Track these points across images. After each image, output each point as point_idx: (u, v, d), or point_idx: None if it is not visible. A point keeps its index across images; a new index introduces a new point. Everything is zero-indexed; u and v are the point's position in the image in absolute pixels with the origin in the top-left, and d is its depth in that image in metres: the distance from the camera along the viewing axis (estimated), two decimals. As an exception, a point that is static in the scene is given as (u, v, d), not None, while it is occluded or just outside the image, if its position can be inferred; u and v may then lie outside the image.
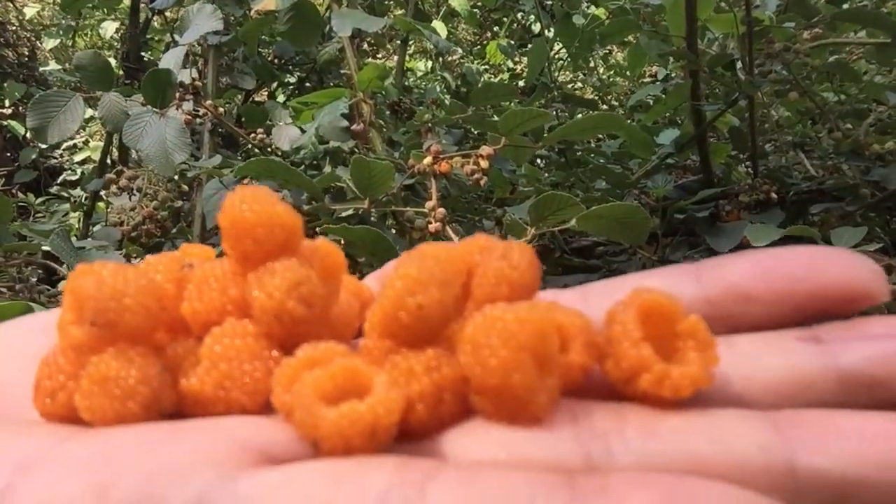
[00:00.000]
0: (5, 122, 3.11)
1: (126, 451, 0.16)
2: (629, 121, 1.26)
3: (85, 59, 0.85)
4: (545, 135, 0.69)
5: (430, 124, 0.75)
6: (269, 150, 1.07)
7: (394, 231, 0.90)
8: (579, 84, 2.98)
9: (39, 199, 2.58)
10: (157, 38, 1.92)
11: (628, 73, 2.92)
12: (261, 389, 0.19)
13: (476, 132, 1.09)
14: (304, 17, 1.10)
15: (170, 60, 0.87)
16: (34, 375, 0.20)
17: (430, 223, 0.59)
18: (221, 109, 0.98)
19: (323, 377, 0.17)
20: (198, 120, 1.01)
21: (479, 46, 2.78)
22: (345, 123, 1.01)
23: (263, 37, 2.14)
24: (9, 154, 3.15)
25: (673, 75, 1.56)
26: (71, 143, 3.12)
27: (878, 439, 0.15)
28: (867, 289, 0.18)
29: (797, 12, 0.89)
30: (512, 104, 0.93)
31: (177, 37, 1.62)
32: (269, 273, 0.19)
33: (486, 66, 3.07)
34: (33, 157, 3.05)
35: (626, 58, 3.11)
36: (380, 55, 2.76)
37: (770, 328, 0.19)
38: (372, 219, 0.69)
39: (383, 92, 0.92)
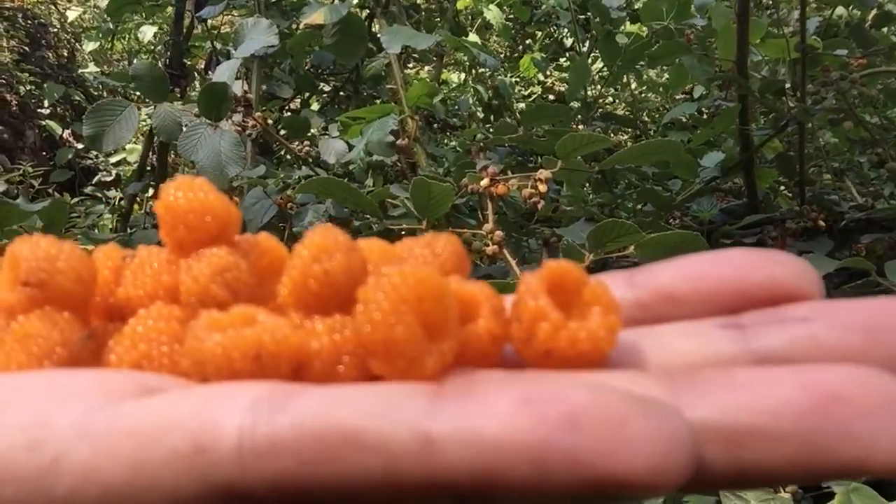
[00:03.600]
0: (43, 123, 3.17)
1: (27, 382, 0.18)
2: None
3: (142, 69, 0.87)
4: (602, 159, 0.69)
5: (481, 144, 0.75)
6: (312, 161, 1.08)
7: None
8: (610, 99, 2.97)
9: (75, 200, 2.61)
10: (198, 45, 1.94)
11: (662, 89, 2.90)
12: (179, 371, 0.19)
13: (507, 144, 1.09)
14: (351, 31, 1.11)
15: (224, 73, 0.89)
16: None
17: (488, 245, 0.59)
18: (270, 121, 0.99)
19: (220, 317, 0.18)
20: (246, 132, 1.02)
21: (511, 60, 2.78)
22: (391, 139, 1.02)
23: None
24: (45, 154, 3.20)
25: (706, 93, 1.55)
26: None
27: (770, 386, 0.15)
28: (796, 287, 0.18)
29: (853, 40, 0.88)
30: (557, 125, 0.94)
31: (218, 44, 1.64)
32: (196, 258, 0.20)
33: (518, 79, 3.07)
34: (69, 157, 3.10)
35: (658, 74, 3.10)
36: (410, 65, 2.77)
37: None
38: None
39: (432, 107, 0.92)
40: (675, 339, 0.18)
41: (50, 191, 2.68)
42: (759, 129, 0.98)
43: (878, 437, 0.14)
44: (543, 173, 0.61)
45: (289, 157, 1.85)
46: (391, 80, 1.07)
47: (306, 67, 1.89)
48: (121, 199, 2.54)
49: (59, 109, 3.22)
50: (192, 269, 0.20)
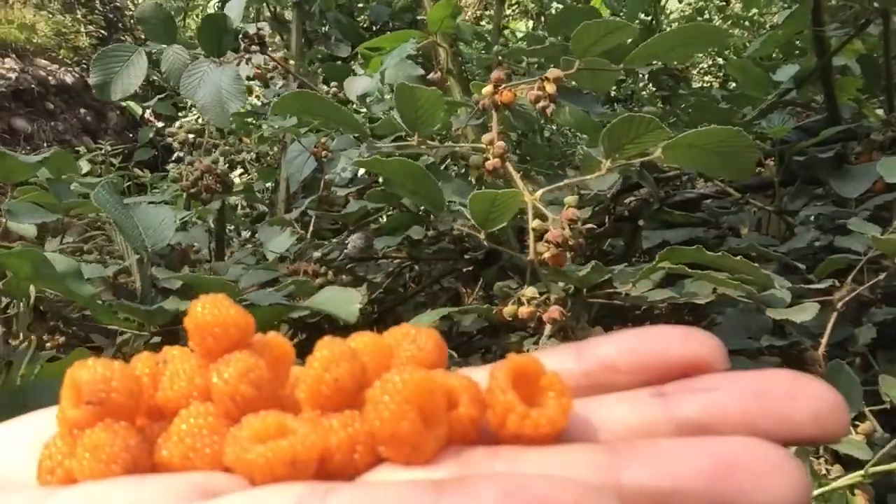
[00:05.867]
0: (124, 104, 3.26)
1: (102, 491, 0.21)
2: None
3: (147, 10, 0.82)
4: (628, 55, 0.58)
5: (500, 56, 0.67)
6: (344, 104, 1.02)
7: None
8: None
9: (157, 175, 2.67)
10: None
11: (746, 23, 2.69)
12: (219, 459, 0.23)
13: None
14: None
15: (233, 8, 0.83)
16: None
17: (488, 159, 0.51)
18: (291, 62, 0.94)
19: (258, 426, 0.22)
20: (269, 74, 0.97)
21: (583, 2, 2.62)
22: (420, 71, 0.95)
23: (360, 4, 2.12)
24: (128, 133, 3.30)
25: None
26: (185, 120, 3.23)
27: (687, 455, 0.19)
28: (706, 361, 0.22)
29: None
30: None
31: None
32: (224, 363, 0.24)
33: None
34: (150, 136, 3.18)
35: (744, 7, 2.87)
36: (469, 14, 2.66)
37: None
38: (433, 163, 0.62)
39: (456, 31, 0.83)
40: (615, 407, 0.23)
41: (132, 168, 2.76)
42: (837, 28, 0.84)
43: (764, 493, 0.18)
44: (553, 72, 0.52)
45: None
46: (422, 11, 0.99)
47: (363, 26, 1.84)
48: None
49: (139, 90, 3.29)
50: (223, 373, 0.24)
